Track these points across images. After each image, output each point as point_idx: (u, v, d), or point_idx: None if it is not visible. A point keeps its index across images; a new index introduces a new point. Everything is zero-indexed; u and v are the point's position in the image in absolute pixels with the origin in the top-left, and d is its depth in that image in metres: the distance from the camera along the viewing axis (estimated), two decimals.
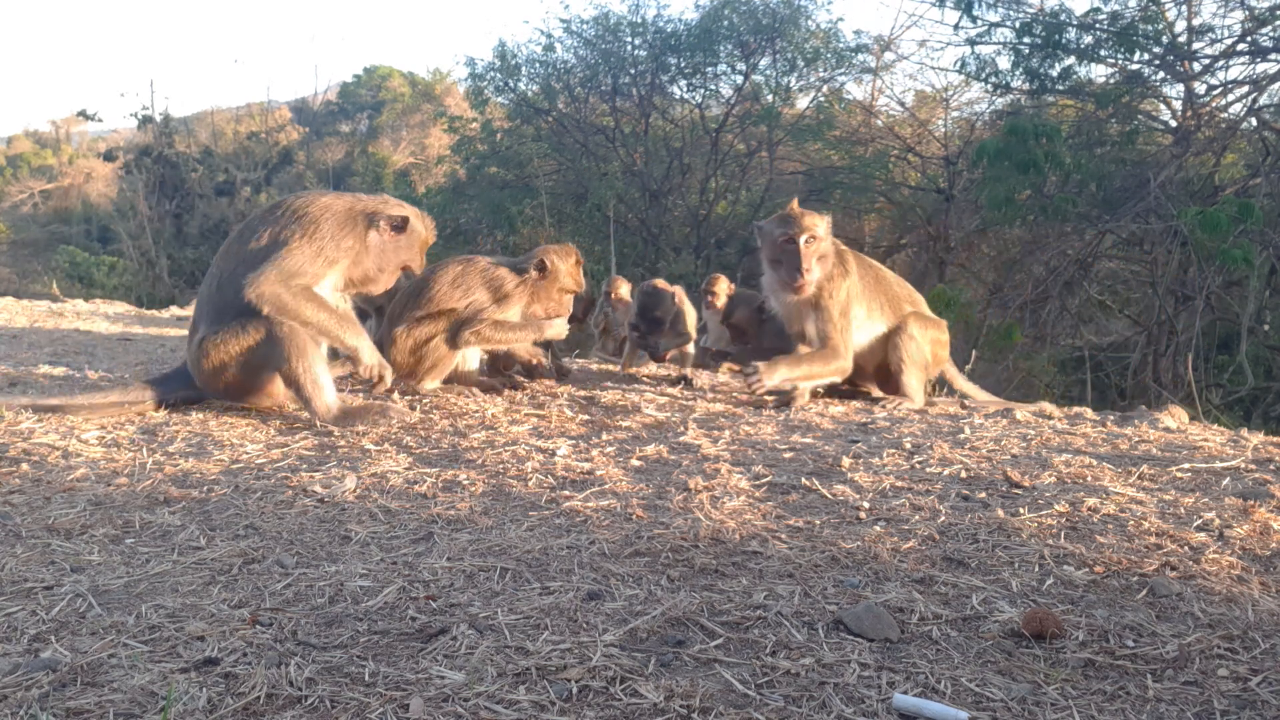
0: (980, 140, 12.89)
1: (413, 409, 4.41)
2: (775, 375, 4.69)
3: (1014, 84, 13.73)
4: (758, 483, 3.18)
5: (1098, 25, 12.79)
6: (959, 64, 14.12)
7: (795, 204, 4.83)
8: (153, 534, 2.59)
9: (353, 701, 1.71)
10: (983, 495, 3.06)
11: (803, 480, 3.20)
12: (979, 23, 13.42)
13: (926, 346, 5.09)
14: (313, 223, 4.00)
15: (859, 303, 4.96)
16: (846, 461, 3.47)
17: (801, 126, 16.57)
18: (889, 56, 17.25)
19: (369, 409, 4.05)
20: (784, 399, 4.91)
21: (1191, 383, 8.94)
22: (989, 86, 14.08)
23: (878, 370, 5.19)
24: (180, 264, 18.59)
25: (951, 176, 15.27)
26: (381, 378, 4.08)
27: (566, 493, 3.02)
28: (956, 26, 13.53)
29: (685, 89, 18.09)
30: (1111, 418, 4.76)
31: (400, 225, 4.16)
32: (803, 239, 4.63)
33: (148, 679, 1.77)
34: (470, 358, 5.05)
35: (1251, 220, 9.97)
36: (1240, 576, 2.39)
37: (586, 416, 4.38)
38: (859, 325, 4.98)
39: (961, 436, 4.02)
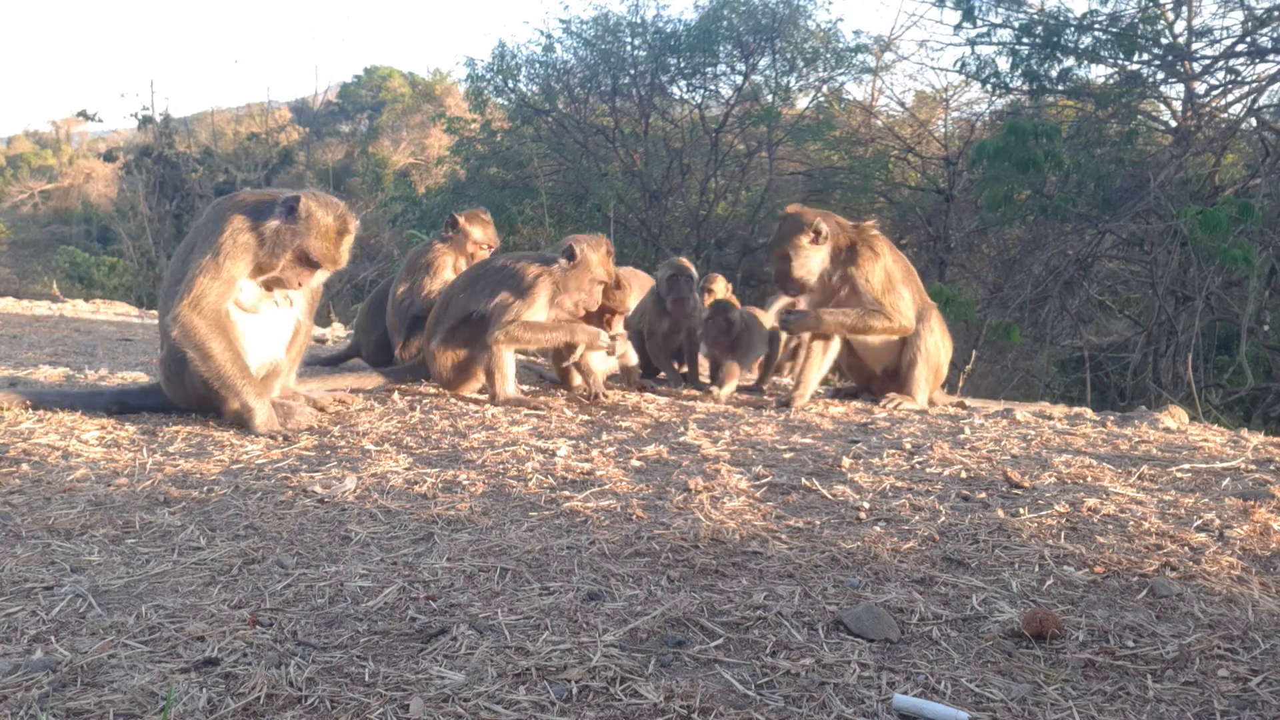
0: (980, 140, 12.88)
1: (412, 409, 4.42)
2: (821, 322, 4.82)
3: (1014, 85, 13.73)
4: (758, 483, 3.18)
5: (1097, 26, 12.79)
6: (959, 64, 14.12)
7: (790, 207, 4.88)
8: (153, 534, 2.59)
9: (353, 701, 1.71)
10: (983, 495, 3.06)
11: (803, 480, 3.20)
12: (979, 24, 13.42)
13: (944, 349, 5.07)
14: (210, 233, 3.88)
15: (904, 285, 4.92)
16: (846, 462, 3.48)
17: (801, 127, 16.57)
18: (889, 57, 17.25)
19: (280, 407, 3.99)
20: (784, 399, 4.91)
21: (1191, 383, 8.94)
22: (989, 87, 14.08)
23: (884, 373, 5.14)
24: None
25: (951, 177, 15.26)
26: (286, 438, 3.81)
27: (566, 493, 3.02)
28: (957, 27, 13.53)
29: (685, 89, 18.09)
30: (1111, 418, 4.76)
31: (291, 208, 3.87)
32: (778, 255, 4.79)
33: (148, 679, 1.77)
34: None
35: (1251, 220, 9.97)
36: (1240, 577, 2.39)
37: (587, 417, 4.38)
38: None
39: (961, 437, 4.02)
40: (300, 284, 3.98)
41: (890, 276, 4.83)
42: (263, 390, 3.91)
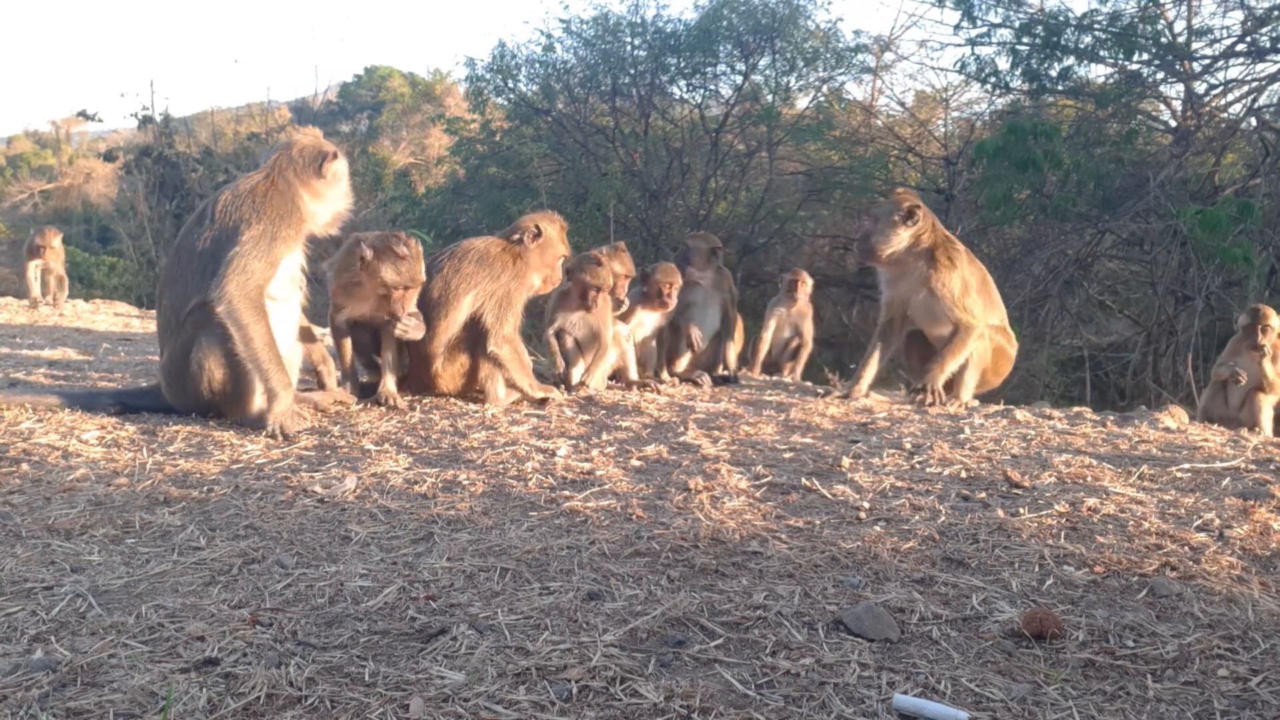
0: (980, 140, 12.88)
1: (412, 409, 4.41)
2: (939, 380, 5.20)
3: (1014, 84, 13.72)
4: (758, 483, 3.18)
5: (1097, 25, 12.79)
6: (959, 64, 14.11)
7: (903, 191, 5.38)
8: (153, 534, 2.59)
9: (353, 701, 1.71)
10: (983, 495, 3.06)
11: (803, 480, 3.20)
12: (979, 23, 13.42)
13: (1002, 360, 5.49)
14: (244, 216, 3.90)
15: (980, 293, 5.35)
16: (846, 461, 3.47)
17: (801, 126, 16.53)
18: (889, 57, 17.22)
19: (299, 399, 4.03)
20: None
21: (1191, 383, 8.95)
22: (989, 87, 14.07)
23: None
24: None
25: (951, 176, 15.24)
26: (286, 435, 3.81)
27: (566, 493, 3.02)
28: (956, 27, 13.53)
29: (685, 89, 18.05)
30: (1111, 418, 4.76)
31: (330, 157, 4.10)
32: (868, 218, 5.30)
33: (148, 679, 1.77)
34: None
35: (1251, 220, 9.97)
36: (1240, 576, 2.39)
37: (586, 416, 4.38)
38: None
39: (961, 436, 4.02)
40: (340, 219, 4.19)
41: (966, 284, 5.27)
42: (290, 382, 3.94)
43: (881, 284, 5.57)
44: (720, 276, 6.38)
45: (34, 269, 10.24)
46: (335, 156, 4.10)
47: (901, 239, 5.19)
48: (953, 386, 5.27)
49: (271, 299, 3.97)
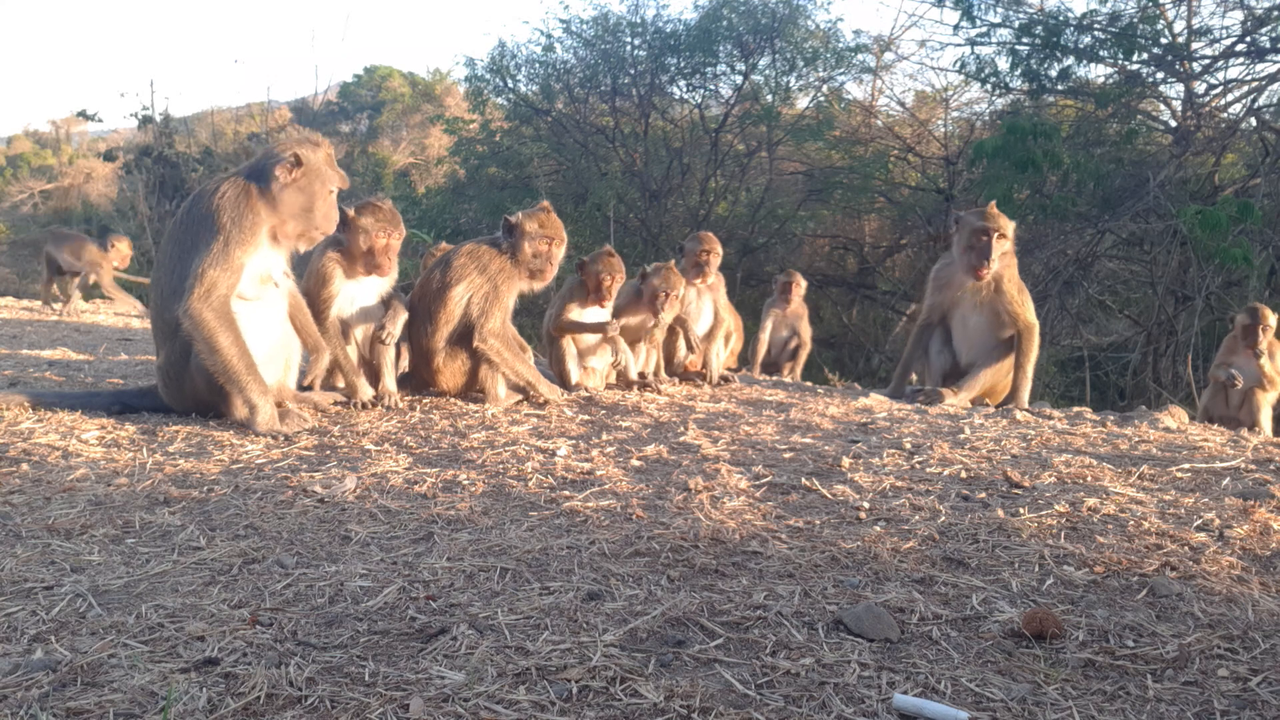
0: (979, 140, 12.88)
1: (412, 409, 4.42)
2: (1026, 392, 5.42)
3: (1013, 84, 13.73)
4: (758, 483, 3.18)
5: (1096, 25, 12.79)
6: (959, 64, 14.12)
7: (993, 206, 5.46)
8: (153, 534, 2.59)
9: (353, 701, 1.71)
10: (983, 495, 3.06)
11: (803, 480, 3.20)
12: (979, 23, 13.42)
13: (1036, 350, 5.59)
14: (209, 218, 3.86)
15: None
16: (846, 461, 3.47)
17: (801, 126, 16.54)
18: (889, 56, 17.24)
19: (280, 407, 4.00)
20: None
21: (1191, 383, 8.95)
22: (989, 87, 14.08)
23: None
24: None
25: (951, 176, 15.25)
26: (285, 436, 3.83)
27: (566, 493, 3.02)
28: (956, 27, 13.54)
29: (685, 89, 18.06)
30: (1111, 418, 4.76)
31: (295, 161, 3.97)
32: (994, 235, 5.26)
33: (148, 679, 1.77)
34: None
35: (1251, 220, 9.98)
36: (1240, 576, 2.39)
37: (586, 416, 4.38)
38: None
39: (961, 436, 4.02)
40: (331, 217, 4.12)
41: (1019, 283, 5.45)
42: (268, 389, 3.91)
43: (934, 288, 5.65)
44: (716, 277, 6.38)
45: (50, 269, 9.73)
46: (296, 161, 3.98)
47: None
48: (1015, 392, 5.36)
49: (244, 299, 3.95)
